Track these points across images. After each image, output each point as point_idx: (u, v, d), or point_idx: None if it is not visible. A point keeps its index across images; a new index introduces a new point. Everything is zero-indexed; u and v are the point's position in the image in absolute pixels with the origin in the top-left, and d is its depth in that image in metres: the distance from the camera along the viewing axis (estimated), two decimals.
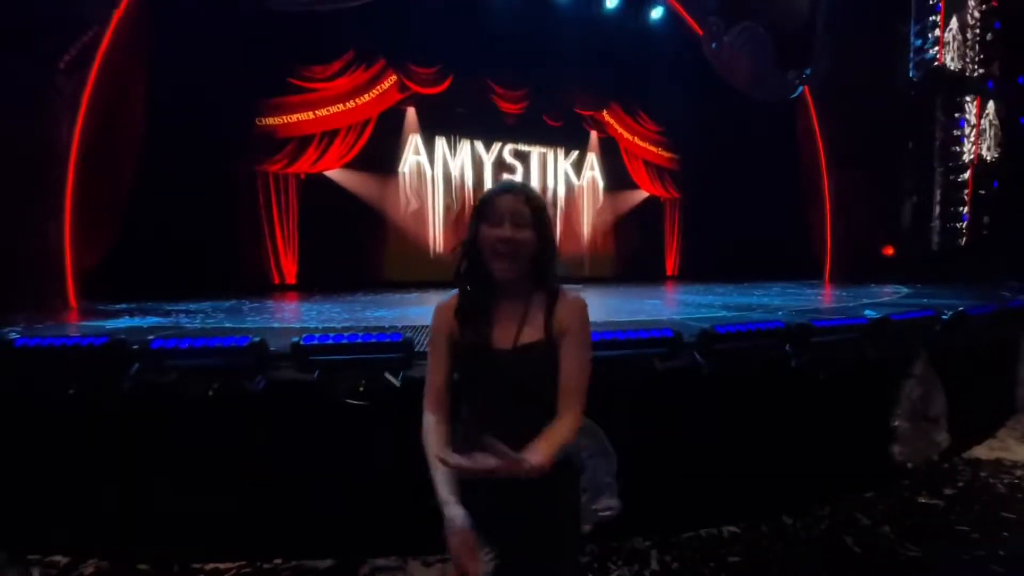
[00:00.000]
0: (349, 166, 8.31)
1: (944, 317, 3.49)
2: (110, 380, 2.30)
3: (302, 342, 2.34)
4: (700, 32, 9.37)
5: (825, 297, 6.65)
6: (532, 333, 1.13)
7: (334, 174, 8.28)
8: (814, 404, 2.90)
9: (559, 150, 10.34)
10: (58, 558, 2.31)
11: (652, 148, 10.94)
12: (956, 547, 2.52)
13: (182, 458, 2.31)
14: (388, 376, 2.31)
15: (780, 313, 4.31)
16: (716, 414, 2.67)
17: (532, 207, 1.11)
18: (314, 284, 7.72)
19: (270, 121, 7.60)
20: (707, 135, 10.48)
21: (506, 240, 1.09)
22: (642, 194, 11.19)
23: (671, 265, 11.62)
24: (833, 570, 2.34)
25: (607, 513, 2.28)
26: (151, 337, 2.42)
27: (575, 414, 1.11)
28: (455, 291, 1.19)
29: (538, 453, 0.98)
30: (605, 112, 10.25)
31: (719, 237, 10.86)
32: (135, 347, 2.37)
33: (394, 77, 8.32)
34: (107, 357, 2.31)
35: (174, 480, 2.31)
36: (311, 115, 7.83)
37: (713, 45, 9.41)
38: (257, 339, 2.33)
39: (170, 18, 6.21)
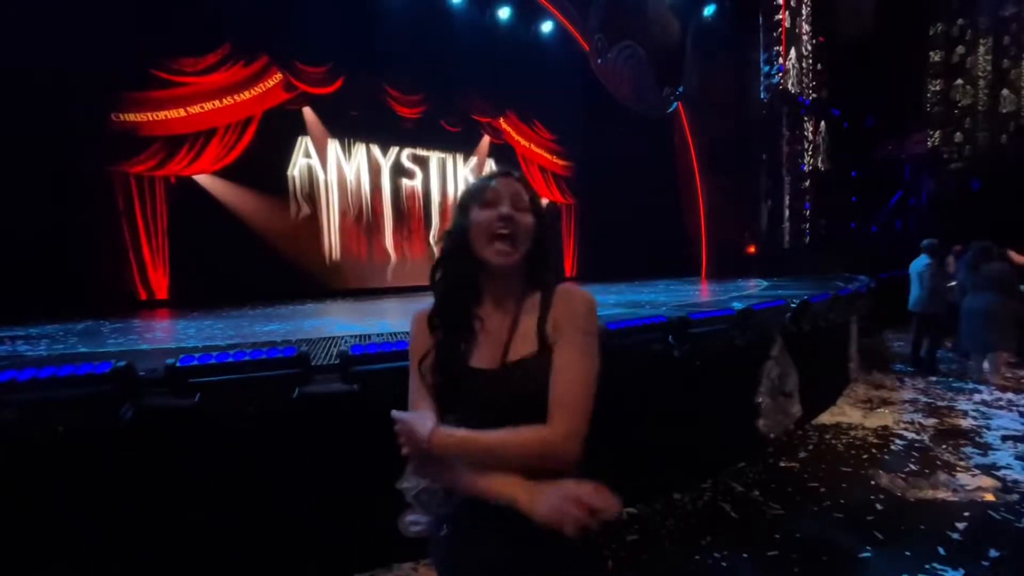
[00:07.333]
0: (231, 169, 7.55)
1: (793, 305, 4.06)
2: None
3: (178, 364, 2.12)
4: (587, 47, 10.02)
5: (702, 292, 7.41)
6: (524, 345, 0.94)
7: (213, 178, 7.51)
8: (694, 389, 3.22)
9: (458, 155, 10.38)
10: None
11: (547, 155, 11.39)
12: (809, 501, 2.94)
13: (30, 507, 1.97)
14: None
15: (664, 308, 4.71)
16: (612, 406, 2.86)
17: (530, 193, 1.00)
18: (192, 299, 6.91)
19: (130, 117, 6.66)
20: (599, 143, 11.16)
21: (507, 218, 0.94)
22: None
23: (569, 267, 12.18)
24: (715, 535, 2.62)
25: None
26: None
27: (555, 429, 0.88)
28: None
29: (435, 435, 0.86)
30: (502, 119, 10.48)
31: (612, 239, 11.62)
32: None
33: (279, 75, 7.79)
34: None
35: (22, 535, 1.95)
36: (182, 112, 7.04)
37: (599, 60, 10.12)
38: (122, 363, 2.06)
39: None
